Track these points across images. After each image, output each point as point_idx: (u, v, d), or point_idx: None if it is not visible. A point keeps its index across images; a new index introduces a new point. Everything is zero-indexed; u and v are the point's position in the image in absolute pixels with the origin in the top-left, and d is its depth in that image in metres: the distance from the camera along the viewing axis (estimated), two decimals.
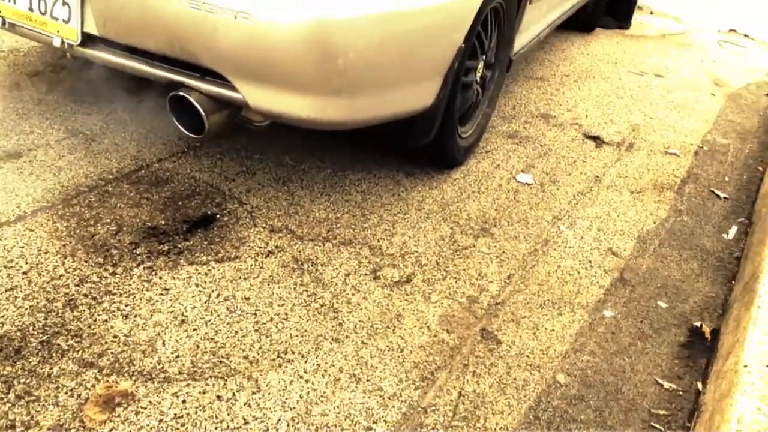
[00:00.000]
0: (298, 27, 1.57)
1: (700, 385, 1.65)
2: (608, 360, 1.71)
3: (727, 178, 2.82)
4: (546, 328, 1.78)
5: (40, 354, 1.46)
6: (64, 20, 1.81)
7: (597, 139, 2.97)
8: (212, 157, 2.28)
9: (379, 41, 1.72)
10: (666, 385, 1.66)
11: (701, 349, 1.80)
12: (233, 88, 1.71)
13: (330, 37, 1.60)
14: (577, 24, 4.58)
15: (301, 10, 1.56)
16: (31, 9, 1.85)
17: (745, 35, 5.47)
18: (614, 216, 2.37)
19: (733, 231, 2.41)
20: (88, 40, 1.83)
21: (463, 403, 1.51)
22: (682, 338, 1.83)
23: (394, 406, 1.47)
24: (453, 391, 1.54)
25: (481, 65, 2.41)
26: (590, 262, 2.09)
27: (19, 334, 1.49)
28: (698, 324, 1.88)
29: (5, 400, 1.35)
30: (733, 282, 2.09)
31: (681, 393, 1.64)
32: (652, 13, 5.65)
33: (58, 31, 1.83)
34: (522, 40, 2.87)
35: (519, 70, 3.68)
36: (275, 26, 1.57)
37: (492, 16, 2.34)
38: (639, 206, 2.46)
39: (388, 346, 1.63)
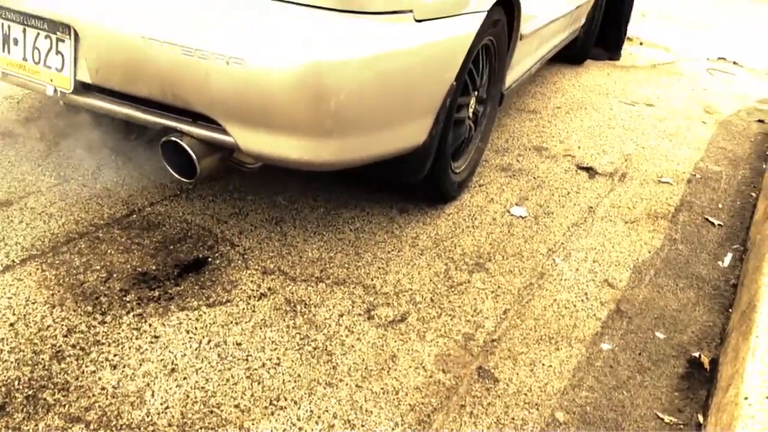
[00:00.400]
0: (290, 71, 1.58)
1: (701, 418, 1.62)
2: (607, 395, 1.67)
3: (720, 205, 2.82)
4: (543, 364, 1.75)
5: (25, 410, 1.43)
6: (57, 69, 1.82)
7: (590, 170, 2.98)
8: (204, 200, 2.28)
9: (370, 82, 1.73)
10: (666, 419, 1.62)
11: (701, 380, 1.76)
12: (225, 132, 1.72)
13: (322, 80, 1.61)
14: (568, 56, 4.64)
15: (293, 54, 1.57)
16: (24, 59, 1.87)
17: (734, 62, 5.54)
18: (609, 247, 2.36)
19: (728, 258, 2.40)
20: (81, 87, 1.84)
21: None
22: (680, 369, 1.80)
23: None
24: None
25: (473, 101, 2.43)
26: (586, 294, 2.07)
27: (3, 389, 1.46)
28: (697, 354, 1.85)
29: None
30: (730, 310, 2.07)
31: (682, 426, 1.61)
32: (641, 43, 5.73)
33: (51, 80, 1.84)
34: (513, 74, 2.90)
35: (511, 103, 3.71)
36: (267, 71, 1.58)
37: (483, 52, 2.36)
38: (633, 236, 2.45)
39: (383, 389, 1.60)
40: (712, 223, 2.65)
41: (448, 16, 1.94)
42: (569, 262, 2.23)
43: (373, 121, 1.83)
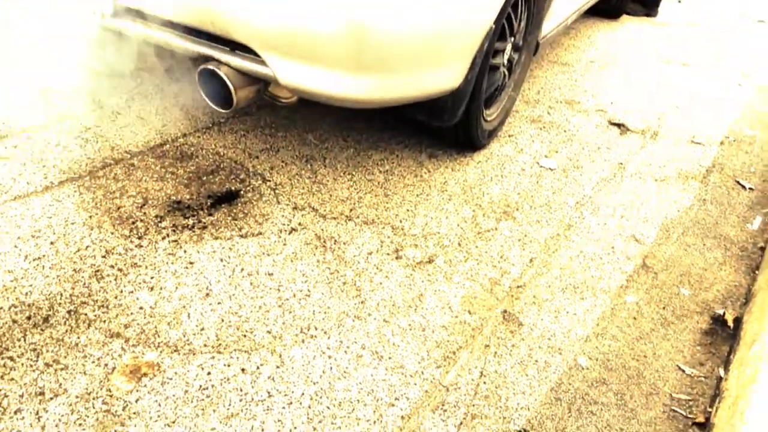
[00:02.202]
0: (334, 6, 1.56)
1: (722, 372, 1.65)
2: (630, 345, 1.70)
3: (752, 169, 2.79)
4: (568, 312, 1.77)
5: (67, 323, 1.48)
6: None
7: (622, 127, 2.94)
8: (236, 134, 2.29)
9: (412, 19, 1.70)
10: (688, 370, 1.65)
11: (724, 337, 1.78)
12: (263, 63, 1.71)
13: (364, 17, 1.59)
14: (604, 10, 4.52)
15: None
16: None
17: None
18: (638, 203, 2.35)
19: (757, 221, 2.38)
20: (120, 11, 1.83)
21: (485, 383, 1.51)
22: (704, 325, 1.82)
23: (416, 384, 1.48)
24: (475, 371, 1.54)
25: (509, 47, 2.39)
26: (613, 248, 2.08)
27: (46, 303, 1.52)
28: (721, 312, 1.86)
29: (35, 367, 1.37)
30: (756, 271, 2.07)
31: (703, 379, 1.64)
32: (679, 1, 5.55)
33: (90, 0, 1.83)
34: (550, 23, 2.83)
35: (544, 55, 3.64)
36: (312, 4, 1.56)
37: None
38: (663, 194, 2.44)
39: (410, 325, 1.64)
40: (743, 186, 2.62)
41: None
42: (597, 216, 2.23)
43: (411, 60, 1.81)
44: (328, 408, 1.39)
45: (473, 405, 1.46)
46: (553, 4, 2.68)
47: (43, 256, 1.63)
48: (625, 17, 4.74)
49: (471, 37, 1.96)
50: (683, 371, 1.65)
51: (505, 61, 2.43)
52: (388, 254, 1.86)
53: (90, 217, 1.79)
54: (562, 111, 2.97)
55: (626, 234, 2.16)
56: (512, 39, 2.39)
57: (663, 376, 1.62)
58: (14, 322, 1.45)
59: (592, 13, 4.61)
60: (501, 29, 2.20)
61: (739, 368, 1.51)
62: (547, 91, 3.15)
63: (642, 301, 1.87)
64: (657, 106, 3.23)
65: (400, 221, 2.01)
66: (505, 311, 1.74)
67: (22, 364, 1.36)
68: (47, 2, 1.93)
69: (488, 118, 2.45)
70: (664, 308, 1.86)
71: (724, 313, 1.85)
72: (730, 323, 1.81)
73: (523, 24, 2.45)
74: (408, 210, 2.07)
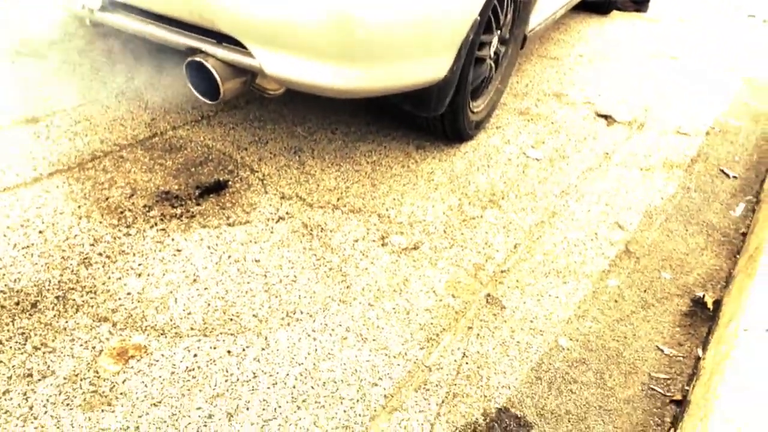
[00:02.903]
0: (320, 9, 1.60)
1: (700, 352, 1.68)
2: (610, 326, 1.73)
3: (737, 158, 2.82)
4: (550, 296, 1.81)
5: (55, 308, 1.50)
6: None
7: (608, 118, 2.97)
8: (225, 127, 2.31)
9: (396, 11, 1.73)
10: (666, 351, 1.68)
11: (703, 318, 1.82)
12: (249, 55, 1.74)
13: (352, 8, 1.62)
14: (595, 5, 4.57)
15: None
16: None
17: (764, 20, 5.41)
18: (622, 192, 2.39)
19: (740, 208, 2.42)
20: (108, 5, 1.86)
21: (467, 363, 1.54)
22: (684, 308, 1.85)
23: (399, 364, 1.51)
24: (457, 352, 1.57)
25: (495, 40, 2.42)
26: (596, 234, 2.11)
27: (35, 289, 1.54)
28: (701, 294, 1.90)
29: (23, 350, 1.40)
30: (737, 256, 2.11)
31: (681, 358, 1.67)
32: None
33: None
34: (538, 17, 2.87)
35: (533, 49, 3.67)
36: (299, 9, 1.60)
37: None
38: (648, 183, 2.47)
39: (394, 309, 1.66)
40: (727, 175, 2.66)
41: None
42: (581, 204, 2.26)
43: (397, 51, 1.84)
44: (312, 388, 1.42)
45: (455, 384, 1.49)
46: None
47: (32, 244, 1.66)
48: (615, 13, 4.78)
49: (456, 29, 1.99)
50: (662, 351, 1.68)
51: (492, 54, 2.46)
52: (374, 241, 1.89)
53: (79, 207, 1.81)
54: (550, 103, 3.01)
55: (610, 221, 2.20)
56: (499, 32, 2.43)
57: (642, 356, 1.65)
58: (2, 307, 1.47)
59: (582, 8, 4.65)
60: (487, 22, 2.23)
61: (716, 347, 1.54)
62: (535, 84, 3.19)
63: (624, 284, 1.90)
64: (644, 98, 3.27)
65: (387, 209, 2.04)
66: (488, 295, 1.77)
67: (11, 348, 1.39)
68: None
69: (475, 110, 2.48)
70: (645, 291, 1.89)
71: (704, 296, 1.88)
72: (710, 305, 1.85)
73: (509, 17, 2.48)
74: (395, 199, 2.10)
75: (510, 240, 2.01)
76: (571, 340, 1.67)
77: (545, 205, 2.22)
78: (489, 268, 1.87)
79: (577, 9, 4.64)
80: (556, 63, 3.53)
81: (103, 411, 1.30)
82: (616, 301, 1.83)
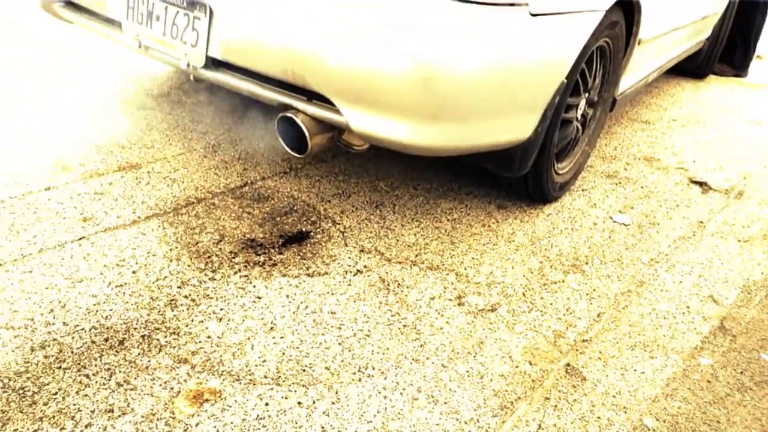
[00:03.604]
0: (401, 55, 1.65)
1: None
2: (702, 408, 1.61)
3: None
4: (635, 370, 1.70)
5: (140, 347, 1.57)
6: (192, 44, 1.98)
7: (703, 185, 2.84)
8: (311, 179, 2.39)
9: (481, 72, 1.76)
10: None
11: None
12: (337, 112, 1.80)
13: (433, 68, 1.66)
14: (690, 70, 4.45)
15: (407, 42, 1.64)
16: (164, 34, 2.04)
17: None
18: (718, 263, 2.25)
19: None
20: (211, 63, 1.99)
21: None
22: None
23: (470, 431, 1.46)
24: (532, 423, 1.50)
25: (583, 102, 2.39)
26: (688, 307, 1.99)
27: (123, 326, 1.62)
28: None
29: (107, 386, 1.46)
30: None
31: None
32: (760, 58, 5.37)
33: (185, 54, 2.01)
34: (628, 80, 2.82)
35: (624, 112, 3.60)
36: (380, 54, 1.65)
37: (598, 54, 2.33)
38: (746, 255, 2.32)
39: (468, 372, 1.62)
40: None
41: (563, 13, 1.94)
42: (672, 274, 2.15)
43: (479, 111, 1.86)
44: None
45: None
46: (631, 61, 2.67)
47: (125, 283, 1.75)
48: (712, 77, 4.63)
49: (542, 91, 1.99)
50: None
51: (579, 116, 2.43)
52: (450, 300, 1.87)
53: (170, 250, 1.90)
54: (640, 167, 2.91)
55: (703, 294, 2.07)
56: (586, 94, 2.40)
57: None
58: (93, 342, 1.55)
59: (677, 72, 4.54)
60: (575, 84, 2.22)
61: None
62: (624, 148, 3.11)
63: (718, 364, 1.77)
64: (743, 166, 3.11)
65: (465, 268, 2.02)
66: (568, 365, 1.70)
67: (96, 382, 1.45)
68: (155, 54, 2.12)
69: (560, 171, 2.44)
70: (741, 373, 1.75)
71: None
72: None
73: (598, 80, 2.45)
74: (473, 258, 2.08)
75: (593, 308, 1.92)
76: (657, 420, 1.56)
77: (632, 273, 2.13)
78: (570, 336, 1.80)
79: (671, 73, 4.53)
80: (648, 126, 3.44)
81: None
82: (708, 382, 1.70)
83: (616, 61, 2.49)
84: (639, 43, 2.63)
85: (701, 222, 2.51)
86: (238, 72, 1.99)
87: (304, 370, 1.56)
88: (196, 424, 1.39)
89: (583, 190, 2.63)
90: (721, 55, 4.58)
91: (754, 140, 3.48)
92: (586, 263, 2.14)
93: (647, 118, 3.57)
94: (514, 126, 2.00)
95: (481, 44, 1.71)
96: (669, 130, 3.44)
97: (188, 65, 2.02)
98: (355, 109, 1.78)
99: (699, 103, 3.99)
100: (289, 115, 1.86)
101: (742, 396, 1.67)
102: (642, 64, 2.94)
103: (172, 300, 1.72)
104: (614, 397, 1.61)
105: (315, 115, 1.86)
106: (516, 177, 2.24)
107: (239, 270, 1.87)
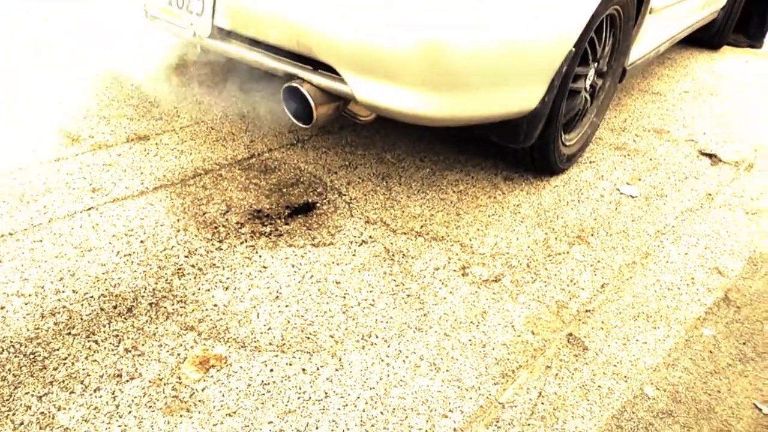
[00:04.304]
0: (408, 26, 1.64)
1: None
2: (703, 378, 1.62)
3: None
4: (638, 340, 1.72)
5: (148, 314, 1.60)
6: (197, 13, 1.98)
7: (713, 157, 2.82)
8: (318, 150, 2.39)
9: (487, 42, 1.74)
10: (765, 410, 1.55)
11: None
12: (342, 81, 1.80)
13: (441, 38, 1.65)
14: (703, 40, 4.37)
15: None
16: (170, 3, 2.04)
17: None
18: (724, 235, 2.24)
19: None
20: (217, 33, 1.98)
21: (543, 404, 1.49)
22: None
23: (471, 398, 1.48)
24: (533, 391, 1.52)
25: (591, 72, 2.37)
26: (693, 279, 1.99)
27: (131, 294, 1.64)
28: None
29: (116, 352, 1.49)
30: None
31: None
32: None
33: (191, 24, 2.00)
34: (639, 50, 2.78)
35: (634, 83, 3.56)
36: (387, 24, 1.65)
37: (607, 22, 2.29)
38: (753, 227, 2.31)
39: (470, 340, 1.64)
40: None
41: None
42: (678, 246, 2.15)
43: (486, 81, 1.85)
44: (381, 413, 1.42)
45: (528, 424, 1.44)
46: (642, 30, 2.63)
47: (133, 252, 1.78)
48: (726, 48, 4.55)
49: (548, 60, 1.97)
50: (760, 410, 1.55)
51: (587, 87, 2.40)
52: (454, 270, 1.88)
53: (178, 220, 1.93)
54: (650, 139, 2.89)
55: (709, 265, 2.07)
56: (595, 64, 2.37)
57: (737, 414, 1.53)
58: (102, 309, 1.58)
59: (690, 42, 4.46)
60: (584, 54, 2.19)
61: None
62: (634, 119, 3.08)
63: (720, 334, 1.78)
64: (754, 138, 3.07)
65: (470, 239, 2.03)
66: (570, 334, 1.71)
67: (105, 348, 1.49)
68: (158, 24, 2.12)
69: (567, 143, 2.42)
70: (744, 344, 1.76)
71: None
72: None
73: (607, 50, 2.42)
74: (478, 229, 2.08)
75: (597, 279, 1.93)
76: (658, 389, 1.57)
77: (638, 244, 2.12)
78: (573, 306, 1.81)
79: (684, 43, 4.46)
80: (659, 98, 3.40)
81: (181, 416, 1.36)
82: (710, 352, 1.71)
83: (626, 30, 2.45)
84: (650, 12, 2.59)
85: (709, 194, 2.50)
86: (244, 42, 1.99)
87: (308, 338, 1.58)
88: (202, 389, 1.42)
89: (591, 162, 2.61)
90: (735, 25, 4.49)
91: (767, 113, 3.43)
92: (592, 235, 2.14)
93: (658, 90, 3.53)
94: (521, 96, 1.98)
95: (486, 15, 1.69)
96: (680, 102, 3.40)
97: (194, 35, 2.02)
98: (360, 78, 1.77)
99: (712, 75, 3.93)
100: (294, 84, 1.86)
101: (744, 366, 1.68)
102: (653, 33, 2.89)
103: (180, 269, 1.75)
104: (615, 366, 1.63)
105: (320, 85, 1.86)
106: (522, 148, 2.24)
107: (245, 240, 1.89)
